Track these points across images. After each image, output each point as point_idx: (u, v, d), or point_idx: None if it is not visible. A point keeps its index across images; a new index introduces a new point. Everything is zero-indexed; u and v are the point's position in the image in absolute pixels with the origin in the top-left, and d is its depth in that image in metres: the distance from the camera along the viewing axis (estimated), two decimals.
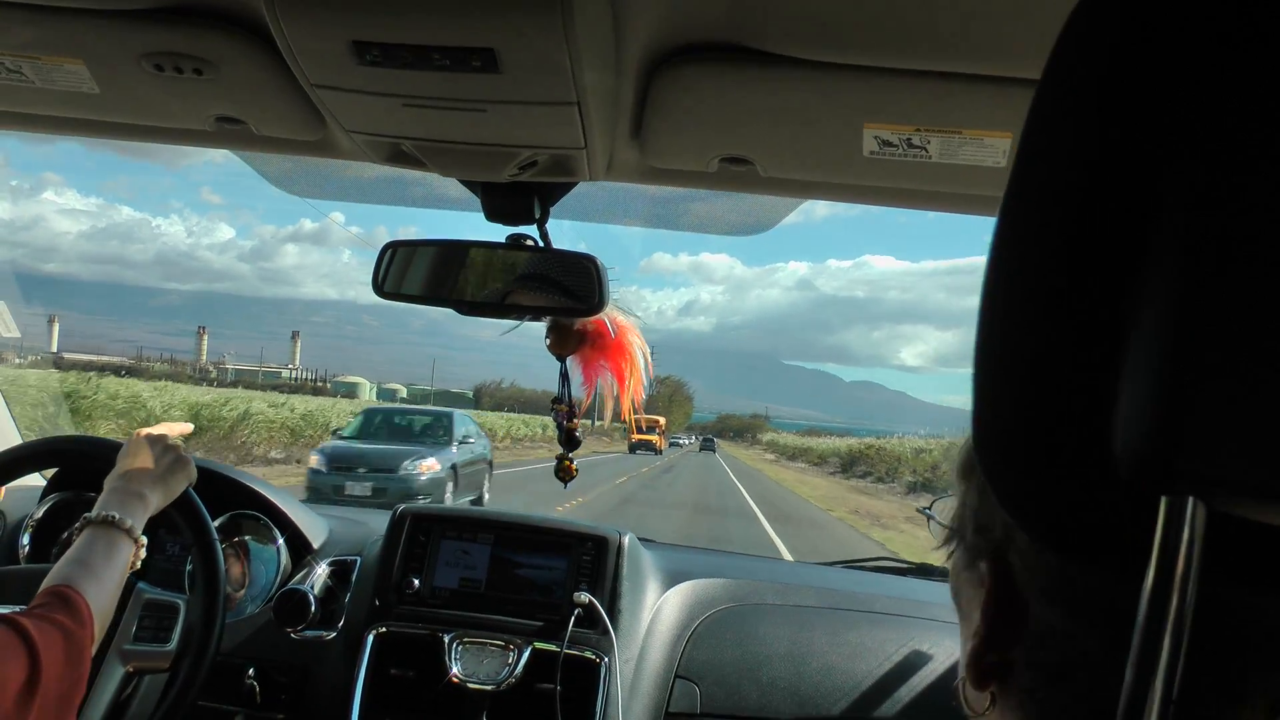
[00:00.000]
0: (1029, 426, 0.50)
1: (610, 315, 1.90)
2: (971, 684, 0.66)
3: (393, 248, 1.84)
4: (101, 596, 1.50)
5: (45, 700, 1.27)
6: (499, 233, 1.83)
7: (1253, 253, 0.41)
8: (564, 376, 1.97)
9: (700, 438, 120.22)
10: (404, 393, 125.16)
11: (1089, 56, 0.47)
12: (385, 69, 1.27)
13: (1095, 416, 0.46)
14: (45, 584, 1.49)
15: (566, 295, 1.78)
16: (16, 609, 1.77)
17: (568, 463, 1.99)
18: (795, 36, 1.21)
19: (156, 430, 1.86)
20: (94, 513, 1.64)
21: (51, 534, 2.29)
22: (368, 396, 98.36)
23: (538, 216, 1.80)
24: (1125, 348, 0.44)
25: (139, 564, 1.67)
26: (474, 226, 1.96)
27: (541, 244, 1.82)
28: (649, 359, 1.97)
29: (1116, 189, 0.45)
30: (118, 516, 1.63)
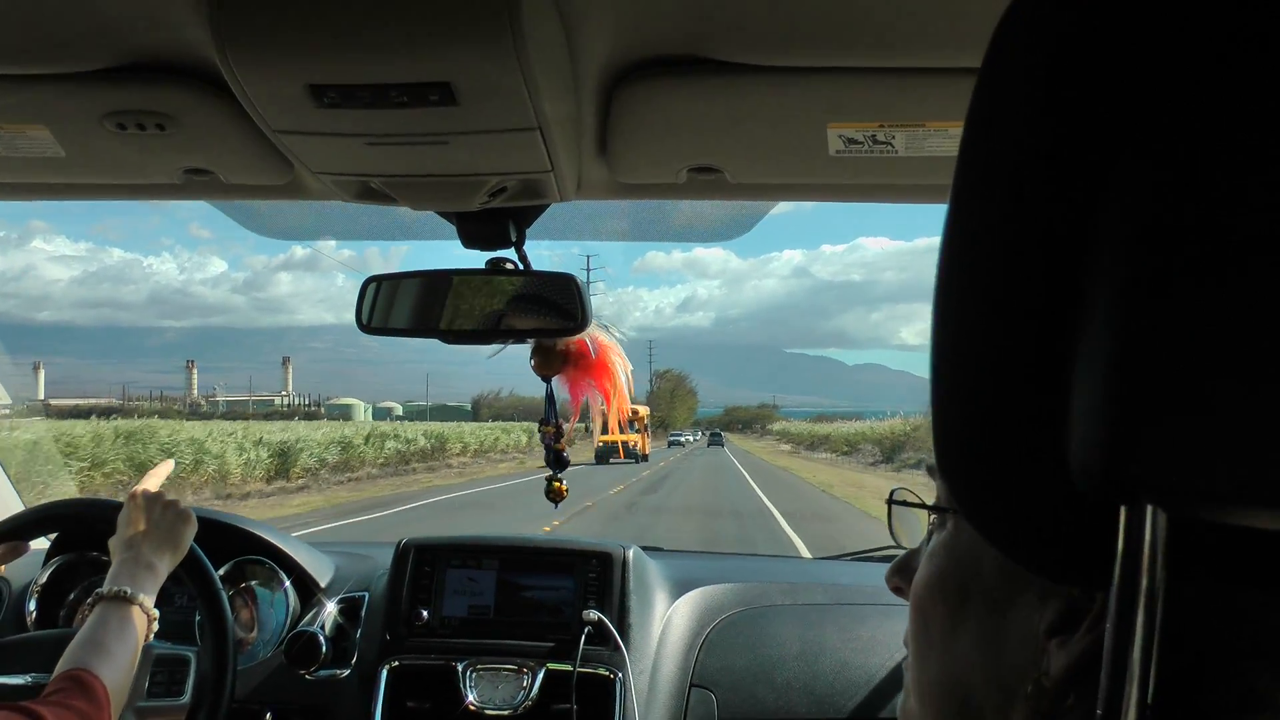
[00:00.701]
0: (985, 438, 0.49)
1: (592, 335, 1.94)
2: (1059, 683, 0.57)
3: (375, 282, 1.87)
4: (117, 675, 1.54)
5: None
6: (479, 258, 1.87)
7: (1202, 252, 0.40)
8: (550, 398, 2.02)
9: (707, 433, 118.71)
10: (399, 410, 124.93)
11: (1029, 44, 0.46)
12: (344, 110, 1.28)
13: (1050, 427, 0.46)
14: (60, 667, 1.52)
15: (550, 316, 1.82)
16: (28, 679, 1.82)
17: (557, 484, 2.04)
18: (750, 44, 1.23)
19: (150, 485, 1.90)
20: (106, 588, 1.68)
21: (57, 598, 2.32)
22: (363, 417, 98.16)
23: (514, 240, 1.83)
24: (1076, 355, 0.44)
25: (152, 637, 1.70)
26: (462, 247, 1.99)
27: (521, 266, 1.85)
28: (630, 377, 2.02)
29: (1059, 187, 0.44)
30: (129, 591, 1.67)
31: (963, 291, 0.50)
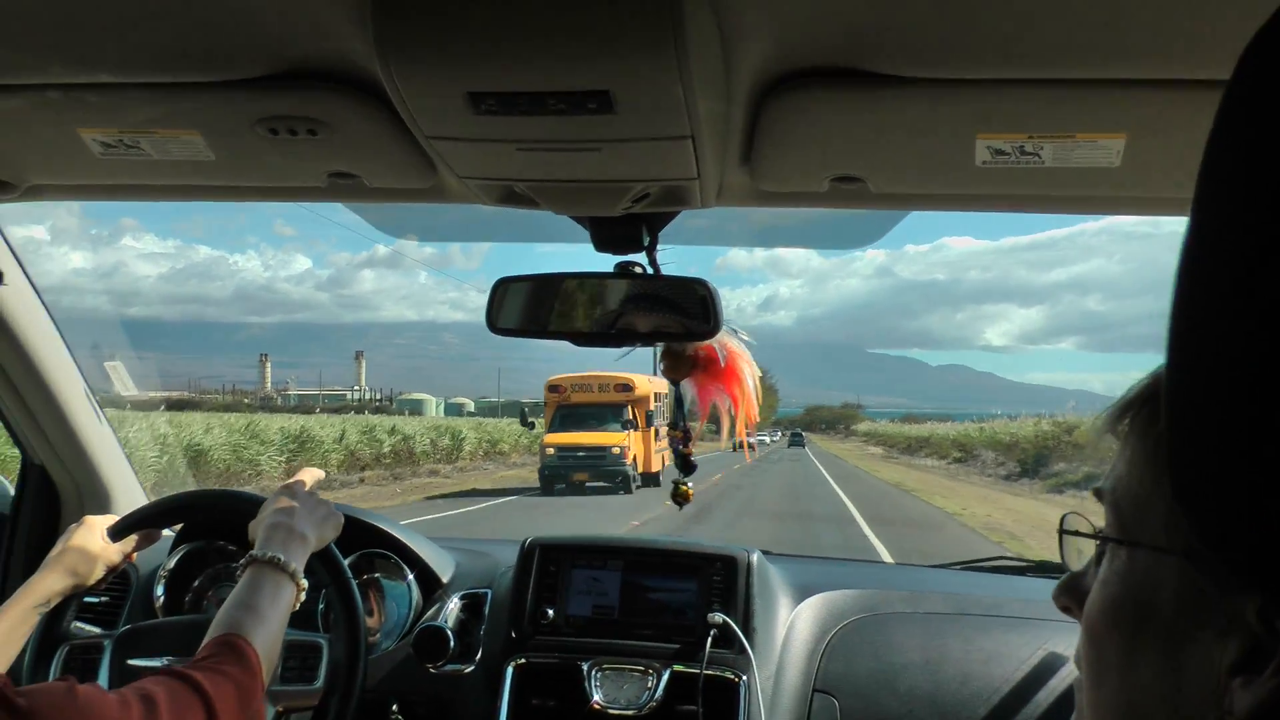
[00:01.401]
0: (1233, 471, 0.49)
1: (721, 341, 1.99)
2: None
3: (504, 284, 1.94)
4: (268, 641, 1.59)
5: None
6: (604, 261, 1.92)
7: None
8: (678, 401, 2.08)
9: (787, 433, 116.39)
10: (471, 406, 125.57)
11: None
12: (500, 117, 1.34)
13: None
14: (213, 631, 1.57)
15: (681, 320, 1.87)
16: (163, 661, 1.91)
17: (684, 487, 2.11)
18: (906, 56, 1.27)
19: (303, 479, 1.98)
20: (258, 552, 1.73)
21: (184, 584, 2.44)
22: (434, 412, 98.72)
23: (646, 244, 1.88)
24: None
25: (299, 605, 1.75)
26: (563, 249, 2.04)
27: (651, 271, 1.91)
28: (759, 385, 2.08)
29: None
30: (282, 558, 1.72)
31: (1209, 318, 0.50)
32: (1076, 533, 0.79)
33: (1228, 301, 0.49)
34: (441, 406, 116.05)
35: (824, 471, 41.05)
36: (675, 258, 1.87)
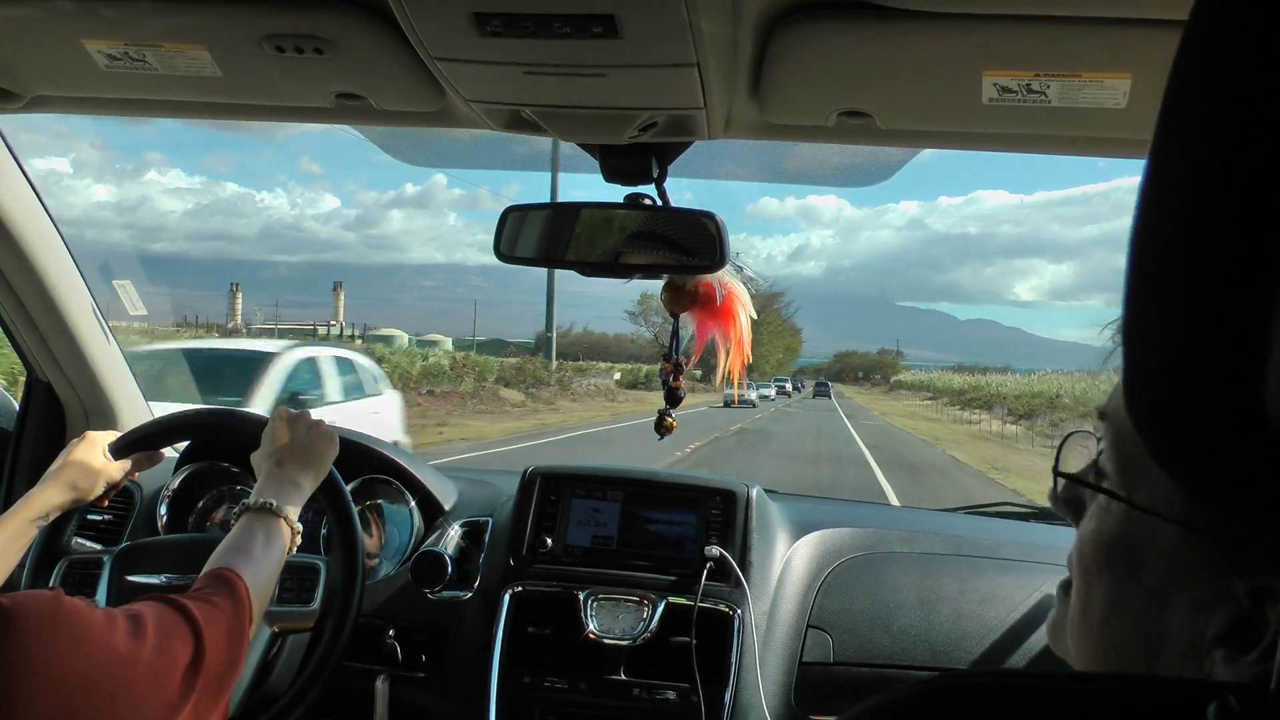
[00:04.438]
0: (1181, 377, 0.53)
1: (721, 280, 2.15)
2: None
3: (512, 212, 2.07)
4: (260, 581, 1.72)
5: (208, 680, 1.47)
6: (614, 192, 2.05)
7: None
8: (675, 335, 2.23)
9: (812, 384, 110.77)
10: (448, 344, 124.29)
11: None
12: (506, 39, 1.45)
13: (1249, 368, 0.49)
14: (207, 568, 1.70)
15: (687, 252, 2.00)
16: (163, 578, 2.07)
17: (668, 419, 2.26)
18: None
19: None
20: (253, 500, 1.88)
21: (187, 504, 2.62)
22: (405, 348, 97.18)
23: (655, 176, 2.02)
24: (1274, 307, 0.48)
25: (295, 550, 1.90)
26: (582, 185, 2.18)
27: (660, 203, 2.05)
28: (749, 330, 2.22)
29: (1265, 143, 0.47)
30: (275, 504, 1.86)
31: (1164, 236, 0.54)
32: (1077, 480, 0.78)
33: (1174, 245, 0.53)
34: (412, 343, 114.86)
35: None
36: (704, 201, 2.00)
